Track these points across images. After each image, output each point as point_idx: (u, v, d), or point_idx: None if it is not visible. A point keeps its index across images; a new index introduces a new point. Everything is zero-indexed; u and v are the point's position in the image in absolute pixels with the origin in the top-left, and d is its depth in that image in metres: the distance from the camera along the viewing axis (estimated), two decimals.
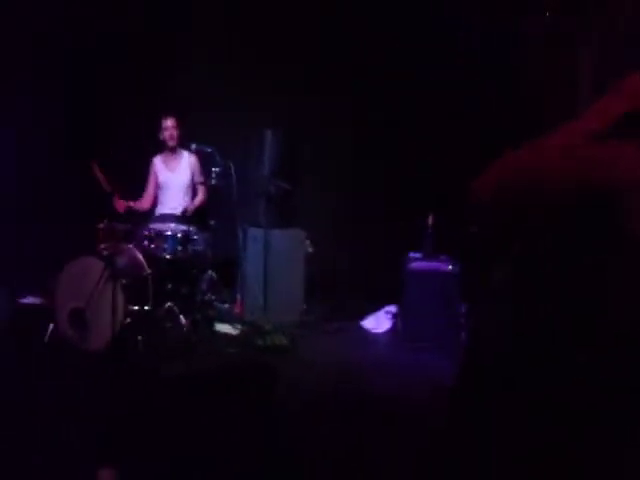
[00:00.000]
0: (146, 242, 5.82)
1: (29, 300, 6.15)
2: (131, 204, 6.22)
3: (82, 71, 7.25)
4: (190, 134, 6.56)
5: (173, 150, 6.62)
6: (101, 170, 5.90)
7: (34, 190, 7.02)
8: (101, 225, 5.70)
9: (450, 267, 6.08)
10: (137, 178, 6.61)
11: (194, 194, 6.63)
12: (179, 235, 5.87)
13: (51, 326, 5.20)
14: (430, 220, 6.18)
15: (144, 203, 6.59)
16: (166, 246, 5.83)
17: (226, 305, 6.50)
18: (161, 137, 6.56)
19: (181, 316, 5.67)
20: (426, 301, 6.08)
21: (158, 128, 6.56)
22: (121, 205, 6.12)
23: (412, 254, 6.27)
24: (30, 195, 7.01)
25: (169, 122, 6.55)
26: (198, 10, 7.49)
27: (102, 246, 5.56)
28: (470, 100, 6.78)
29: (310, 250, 6.54)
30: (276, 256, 6.38)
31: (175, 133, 6.56)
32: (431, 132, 7.01)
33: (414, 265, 6.21)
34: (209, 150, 6.25)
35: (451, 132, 6.92)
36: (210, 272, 6.28)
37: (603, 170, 1.22)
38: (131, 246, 5.71)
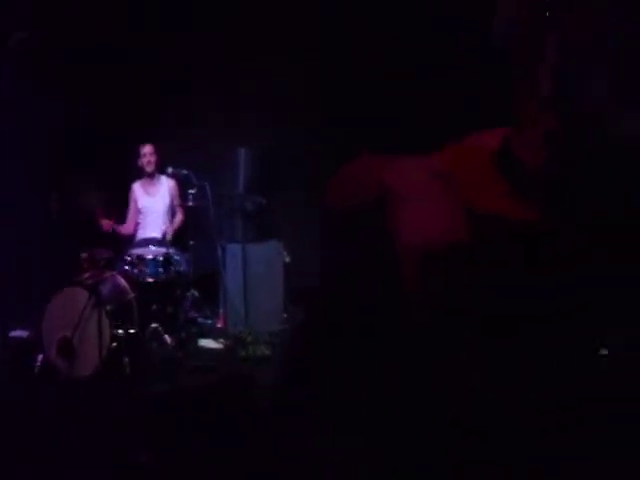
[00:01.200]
0: (128, 267, 5.91)
1: (17, 333, 6.22)
2: (116, 226, 6.33)
3: (56, 97, 7.27)
4: (166, 157, 6.65)
5: (151, 176, 6.68)
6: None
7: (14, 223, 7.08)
8: (84, 254, 5.77)
9: None
10: (118, 203, 6.71)
11: (173, 217, 6.70)
12: (160, 258, 5.96)
13: (40, 357, 5.28)
14: None
15: (127, 228, 6.64)
16: (148, 270, 5.92)
17: (209, 321, 6.58)
18: (139, 164, 6.63)
19: (166, 335, 5.75)
20: None
21: (136, 155, 6.64)
22: (107, 224, 6.23)
23: None
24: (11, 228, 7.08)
25: (146, 149, 6.61)
26: (169, 33, 7.51)
27: (86, 275, 5.63)
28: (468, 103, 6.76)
29: (287, 260, 6.61)
30: (255, 269, 6.45)
31: (152, 159, 6.61)
32: (403, 142, 7.01)
33: None
34: (185, 172, 6.33)
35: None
36: (192, 291, 6.36)
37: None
38: (114, 273, 5.79)
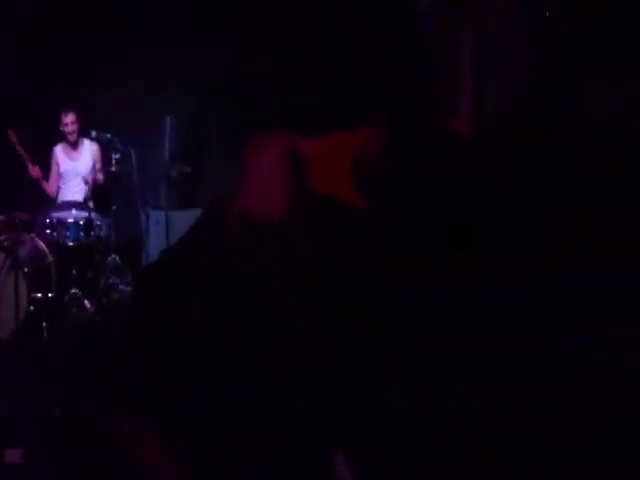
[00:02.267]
0: (48, 230, 5.70)
1: None
2: (42, 178, 6.16)
3: None
4: (90, 120, 6.41)
5: (74, 142, 6.44)
6: (17, 138, 5.96)
7: None
8: (1, 217, 5.54)
9: None
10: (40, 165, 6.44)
11: (95, 181, 6.43)
12: (81, 222, 5.77)
13: None
14: None
15: (50, 188, 6.38)
16: (68, 233, 5.72)
17: (131, 287, 6.41)
18: (61, 128, 6.37)
19: (86, 301, 5.59)
20: None
21: (58, 120, 6.37)
22: (36, 171, 6.07)
23: None
24: None
25: (69, 118, 6.30)
26: None
27: (2, 237, 5.41)
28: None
29: None
30: (178, 236, 6.31)
31: (75, 128, 6.34)
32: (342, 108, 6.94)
33: None
34: (109, 137, 6.13)
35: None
36: (114, 256, 6.18)
37: None
38: (32, 235, 5.58)
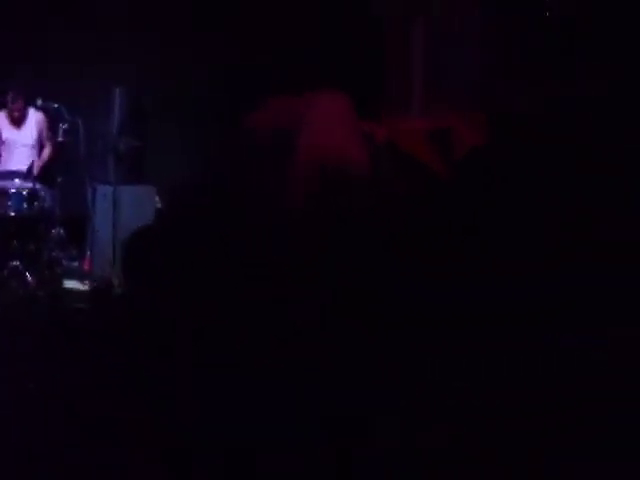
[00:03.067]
0: None
1: None
2: None
3: None
4: (37, 88, 6.15)
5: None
6: None
7: None
8: None
9: None
10: None
11: (41, 151, 6.20)
12: (24, 192, 5.54)
13: None
14: None
15: None
16: (10, 203, 5.50)
17: (75, 262, 6.20)
18: (5, 100, 6.06)
19: (27, 274, 5.38)
20: None
21: (4, 93, 6.08)
22: None
23: None
24: None
25: (16, 106, 5.99)
26: None
27: None
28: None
29: (159, 206, 6.33)
30: (125, 212, 6.10)
31: (21, 112, 6.05)
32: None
33: None
34: (55, 106, 5.90)
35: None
36: (58, 229, 5.96)
37: None
38: None
